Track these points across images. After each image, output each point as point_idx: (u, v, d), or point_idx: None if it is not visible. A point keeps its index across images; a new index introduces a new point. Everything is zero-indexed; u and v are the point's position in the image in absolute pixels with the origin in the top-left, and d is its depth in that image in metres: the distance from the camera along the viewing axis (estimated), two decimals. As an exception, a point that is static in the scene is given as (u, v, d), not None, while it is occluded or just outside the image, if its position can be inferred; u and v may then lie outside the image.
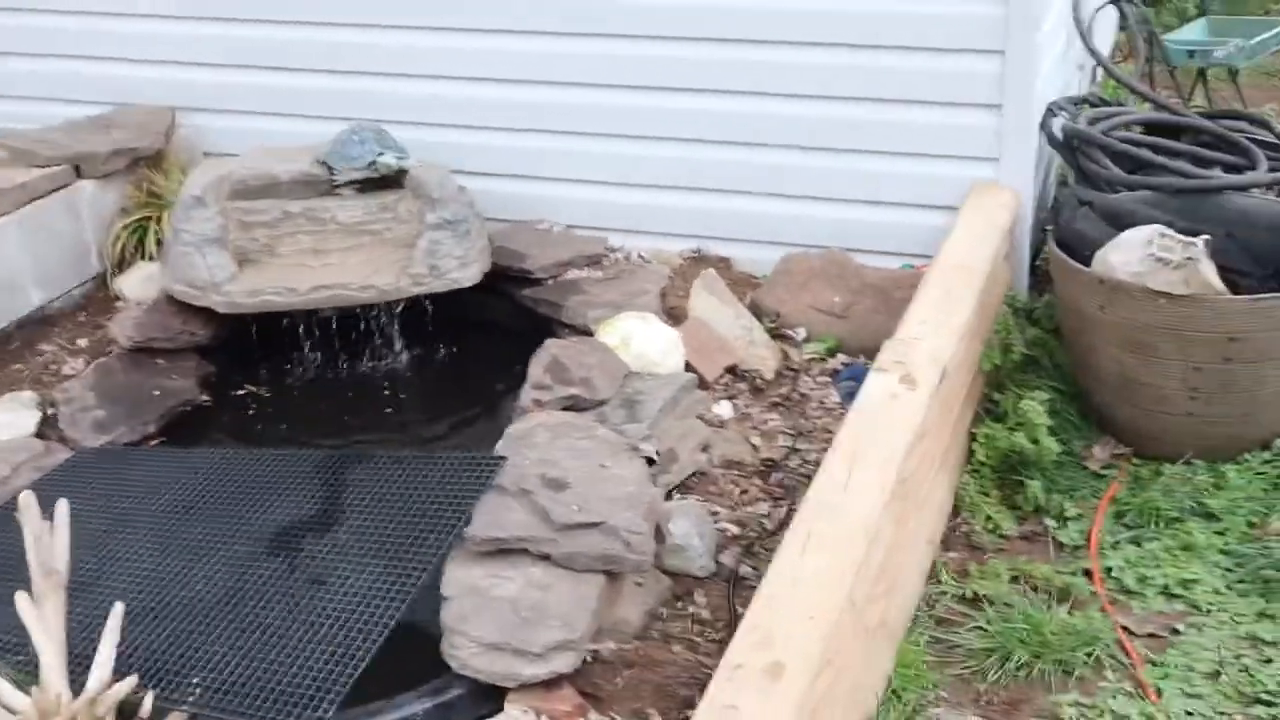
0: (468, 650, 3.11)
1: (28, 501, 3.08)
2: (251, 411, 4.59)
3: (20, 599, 2.95)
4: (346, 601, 3.26)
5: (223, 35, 5.45)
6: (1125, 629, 3.49)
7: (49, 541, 3.09)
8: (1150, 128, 4.76)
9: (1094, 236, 4.15)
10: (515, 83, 5.12)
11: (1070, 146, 4.62)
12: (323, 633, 3.18)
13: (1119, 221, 4.18)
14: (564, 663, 3.11)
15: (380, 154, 4.78)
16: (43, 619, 2.97)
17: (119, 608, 2.96)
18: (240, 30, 5.42)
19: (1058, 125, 4.66)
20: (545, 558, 3.33)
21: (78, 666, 2.99)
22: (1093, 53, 5.36)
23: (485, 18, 5.05)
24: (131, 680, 2.87)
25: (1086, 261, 4.09)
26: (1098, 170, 4.47)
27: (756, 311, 4.75)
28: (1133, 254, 3.90)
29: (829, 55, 4.67)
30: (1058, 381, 4.36)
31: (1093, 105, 5.10)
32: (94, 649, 3.04)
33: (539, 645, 3.08)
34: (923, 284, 4.04)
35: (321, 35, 5.31)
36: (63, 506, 3.15)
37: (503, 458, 3.61)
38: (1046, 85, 4.79)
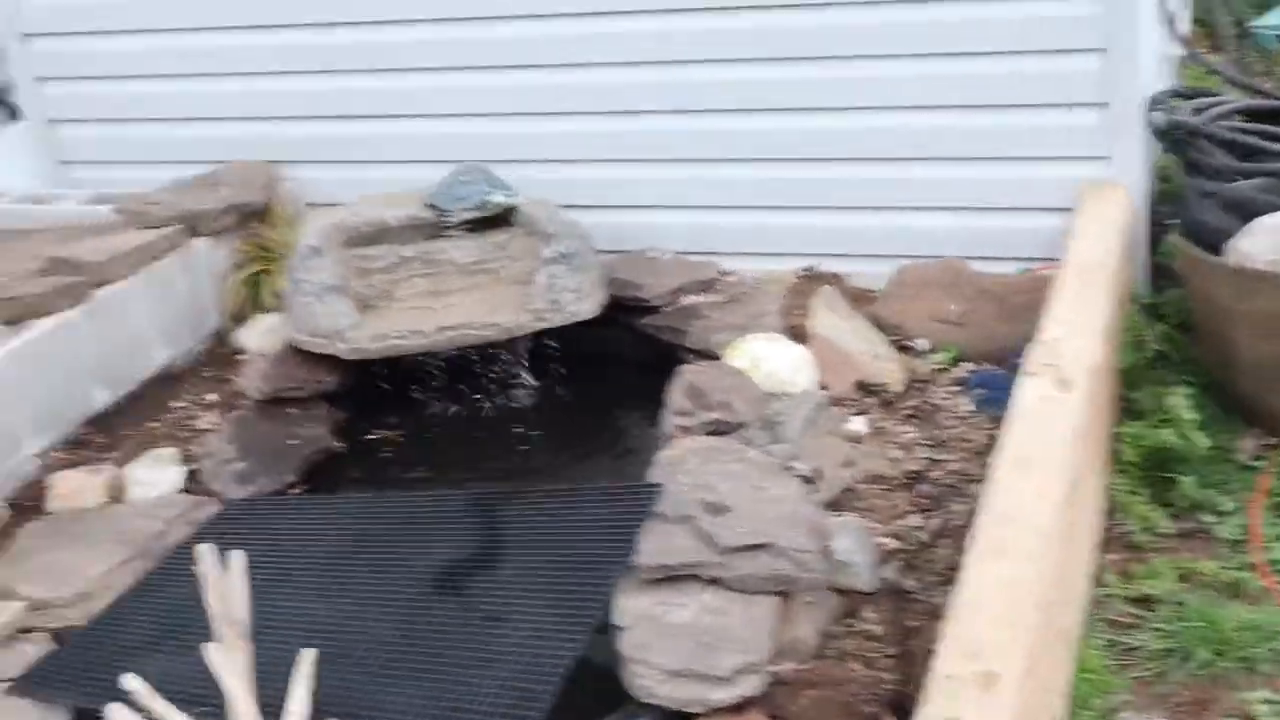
0: (652, 678, 3.12)
1: (204, 553, 3.11)
2: (386, 455, 4.62)
3: (210, 649, 2.98)
4: (523, 638, 3.27)
5: (318, 88, 5.51)
6: (1305, 619, 3.45)
7: (229, 591, 3.11)
8: (1252, 114, 4.73)
9: (1218, 227, 4.12)
10: (614, 115, 5.14)
11: (1175, 138, 4.61)
12: (504, 671, 3.18)
13: (1241, 210, 4.14)
14: (750, 686, 3.10)
15: (489, 193, 4.81)
16: (232, 668, 2.99)
17: (309, 653, 2.98)
18: (335, 82, 5.48)
19: (1159, 118, 4.64)
20: (715, 581, 3.33)
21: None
22: (1181, 44, 5.34)
23: (580, 55, 5.08)
24: (329, 726, 2.89)
25: (1214, 252, 4.06)
26: (1208, 161, 4.44)
27: (875, 325, 4.74)
28: (1267, 240, 3.87)
29: (931, 65, 4.67)
30: (1191, 375, 4.32)
31: (1188, 97, 5.08)
32: (273, 696, 3.07)
33: (725, 669, 3.08)
34: (1056, 286, 4.02)
35: (416, 82, 5.36)
36: (238, 557, 3.18)
37: (659, 485, 3.61)
38: (1148, 80, 4.76)
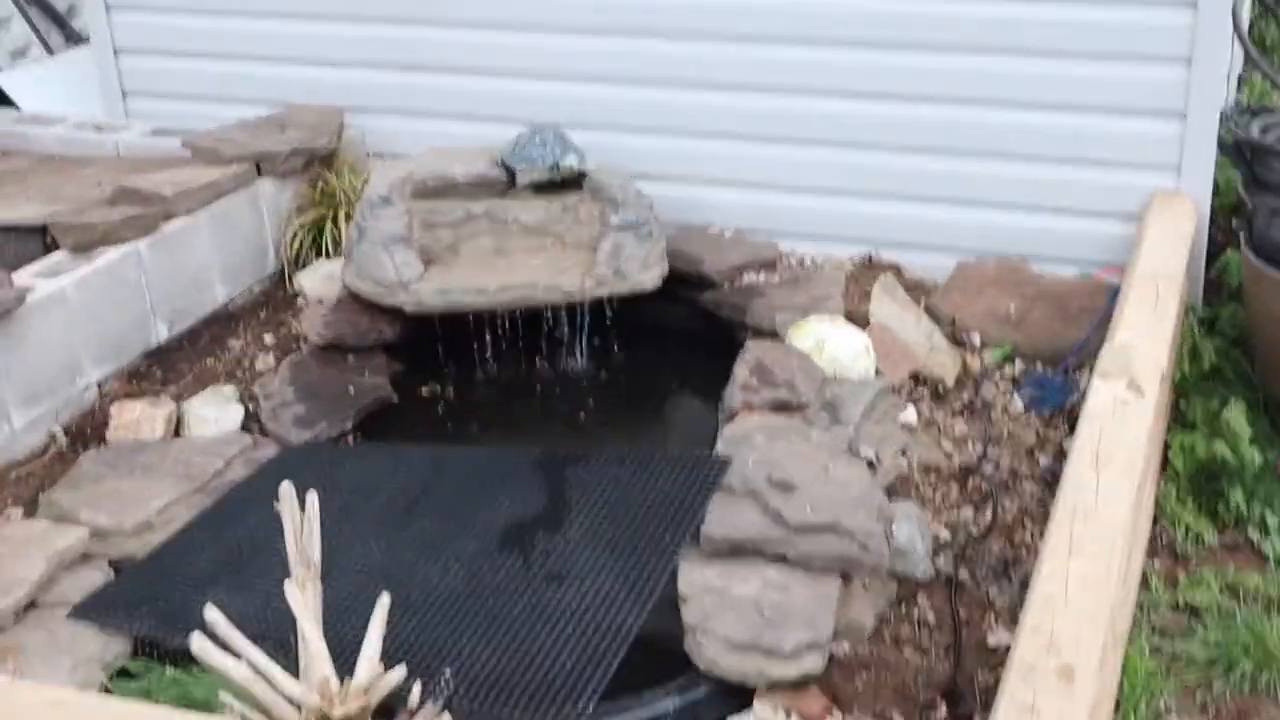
0: (714, 649, 3.17)
1: (287, 492, 3.14)
2: (439, 408, 4.66)
3: (289, 586, 3.00)
4: (588, 600, 3.32)
5: (392, 37, 5.52)
6: (1347, 642, 3.49)
7: (305, 533, 3.14)
8: (1317, 136, 4.77)
9: (1289, 245, 4.16)
10: (686, 87, 5.17)
11: (1242, 154, 4.64)
12: (568, 631, 3.23)
13: (1310, 230, 4.19)
14: (812, 663, 3.16)
15: (563, 155, 4.84)
16: (307, 607, 3.03)
17: (385, 598, 3.01)
18: (410, 32, 5.50)
19: (1227, 133, 4.67)
20: (780, 559, 3.38)
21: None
22: (1257, 63, 5.36)
23: (658, 24, 5.11)
24: (402, 670, 2.92)
25: (1280, 269, 4.10)
26: (1275, 178, 4.48)
27: (932, 317, 4.78)
28: (1342, 264, 3.91)
29: (1013, 62, 4.71)
30: (1243, 391, 4.36)
31: (1255, 113, 5.11)
32: (333, 638, 3.11)
33: (789, 645, 3.13)
34: (1126, 291, 4.06)
35: (490, 38, 5.38)
36: (314, 499, 3.20)
37: (727, 458, 3.66)
38: (1225, 94, 4.80)
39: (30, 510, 3.94)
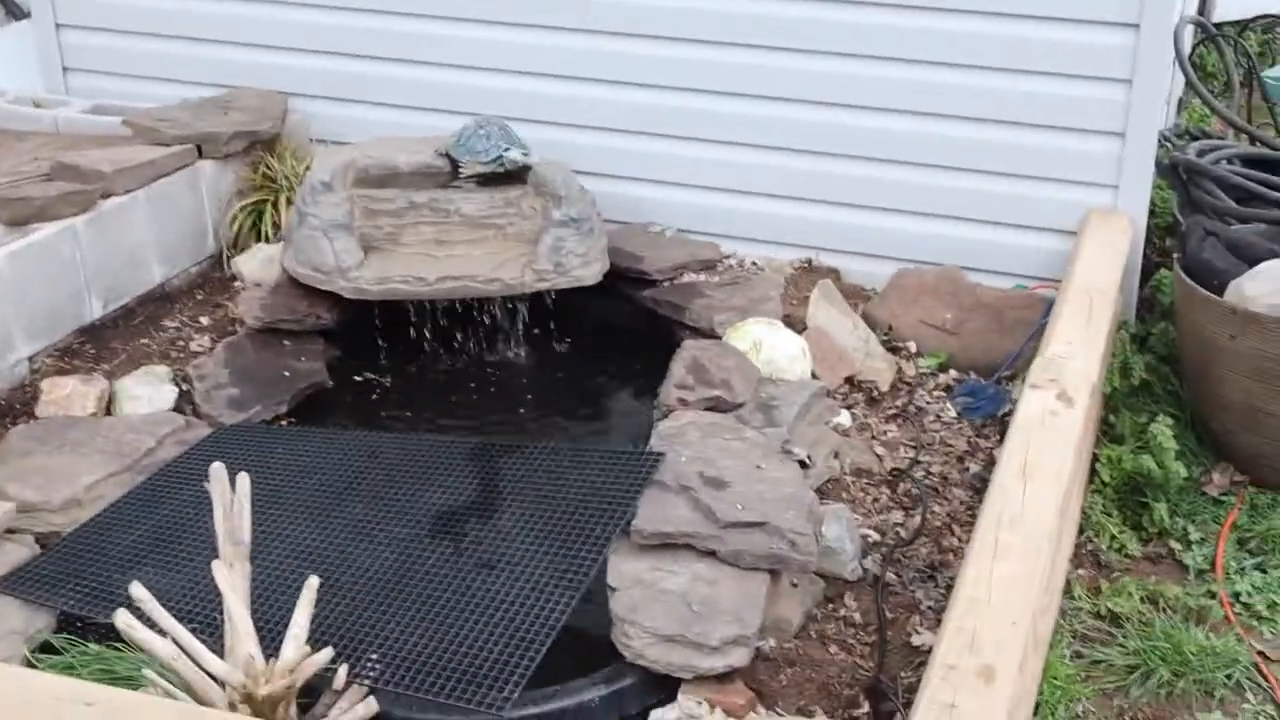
0: (642, 640, 3.18)
1: (218, 472, 3.13)
2: (374, 395, 4.65)
3: (216, 566, 2.99)
4: (518, 588, 3.33)
5: (339, 24, 5.50)
6: (1262, 654, 3.57)
7: (235, 513, 3.13)
8: (1249, 161, 4.87)
9: (1221, 267, 4.24)
10: (632, 86, 5.19)
11: (1178, 175, 4.74)
12: (496, 617, 3.24)
13: (1240, 252, 4.27)
14: (738, 657, 3.18)
15: (507, 149, 4.83)
16: (235, 587, 3.02)
17: (314, 580, 3.01)
18: (357, 20, 5.48)
19: (1165, 154, 4.77)
20: (710, 554, 3.40)
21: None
22: (1195, 87, 5.46)
23: (608, 21, 5.12)
24: (329, 652, 2.92)
25: (1211, 289, 4.18)
26: (1211, 201, 4.58)
27: (869, 323, 4.83)
28: (1271, 285, 3.99)
29: (959, 76, 4.76)
30: (1171, 407, 4.44)
31: (1194, 136, 5.22)
32: (261, 617, 3.10)
33: (716, 638, 3.16)
34: (1060, 304, 4.13)
35: (439, 29, 5.38)
36: (244, 479, 3.19)
37: (660, 454, 3.68)
38: (1163, 115, 4.88)
39: (-44, 483, 3.88)
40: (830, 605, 3.58)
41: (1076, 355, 3.77)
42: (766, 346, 4.35)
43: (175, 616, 3.19)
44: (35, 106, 5.72)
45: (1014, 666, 2.66)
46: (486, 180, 4.89)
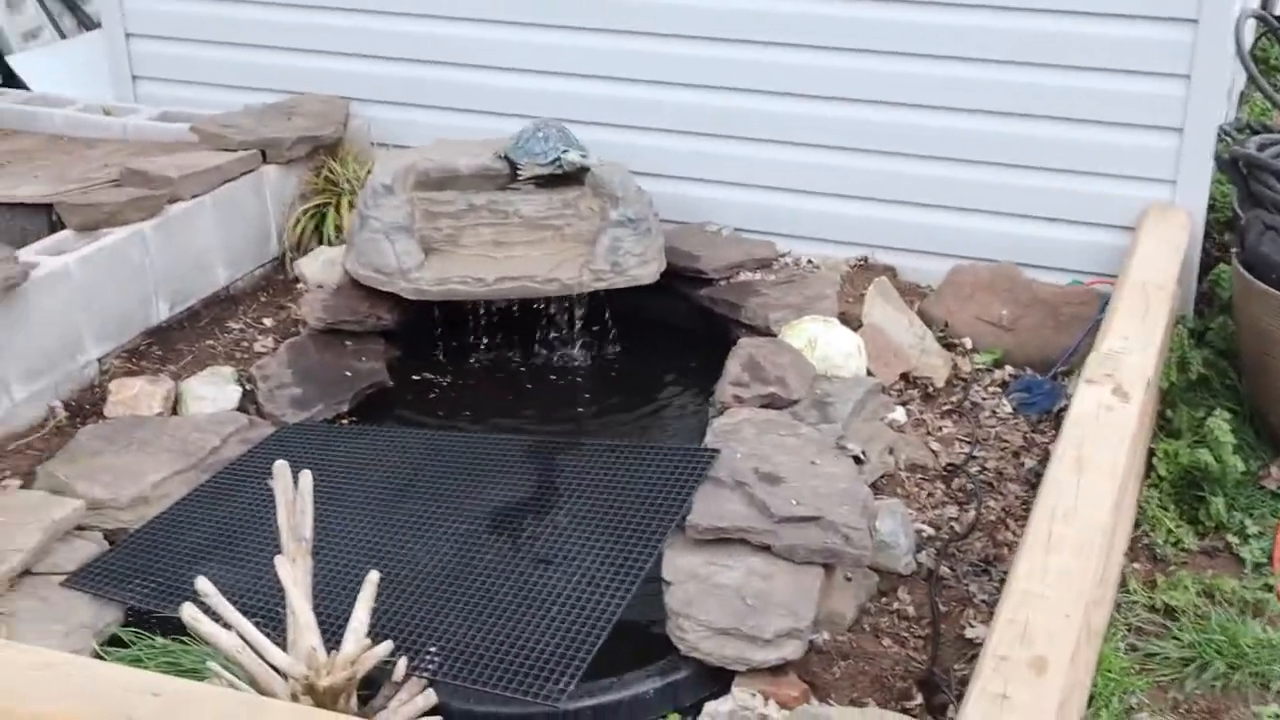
0: (696, 634, 3.22)
1: (281, 469, 3.19)
2: (434, 394, 4.72)
3: (279, 561, 3.06)
4: (574, 582, 3.38)
5: (399, 30, 5.59)
6: (1319, 646, 3.55)
7: (297, 509, 3.20)
8: (1312, 154, 4.83)
9: (1278, 260, 4.21)
10: (687, 87, 5.23)
11: (1238, 170, 4.70)
12: (553, 611, 3.29)
13: (1299, 246, 4.24)
14: (791, 650, 3.21)
15: (565, 151, 4.89)
16: (298, 582, 3.09)
17: (374, 576, 3.07)
18: (417, 26, 5.56)
19: (1225, 149, 4.73)
20: (765, 548, 3.43)
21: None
22: (1257, 81, 5.42)
23: (662, 23, 5.17)
24: (388, 645, 2.97)
25: (1270, 283, 4.15)
26: (1270, 195, 4.54)
27: (925, 320, 4.84)
28: (1329, 279, 3.96)
29: (1015, 73, 4.76)
30: (1229, 401, 4.41)
31: (1254, 130, 5.17)
32: (323, 612, 3.16)
33: (770, 632, 3.19)
34: (1116, 299, 4.12)
35: (497, 33, 5.44)
36: (307, 476, 3.26)
37: (716, 450, 3.72)
38: (1223, 109, 4.85)
39: (28, 482, 4.00)
40: (884, 599, 3.60)
41: (1132, 350, 3.76)
42: (821, 343, 4.37)
43: (239, 611, 3.27)
44: (105, 114, 5.85)
45: (1066, 658, 2.67)
46: (545, 182, 4.95)
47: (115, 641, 3.41)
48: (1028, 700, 2.54)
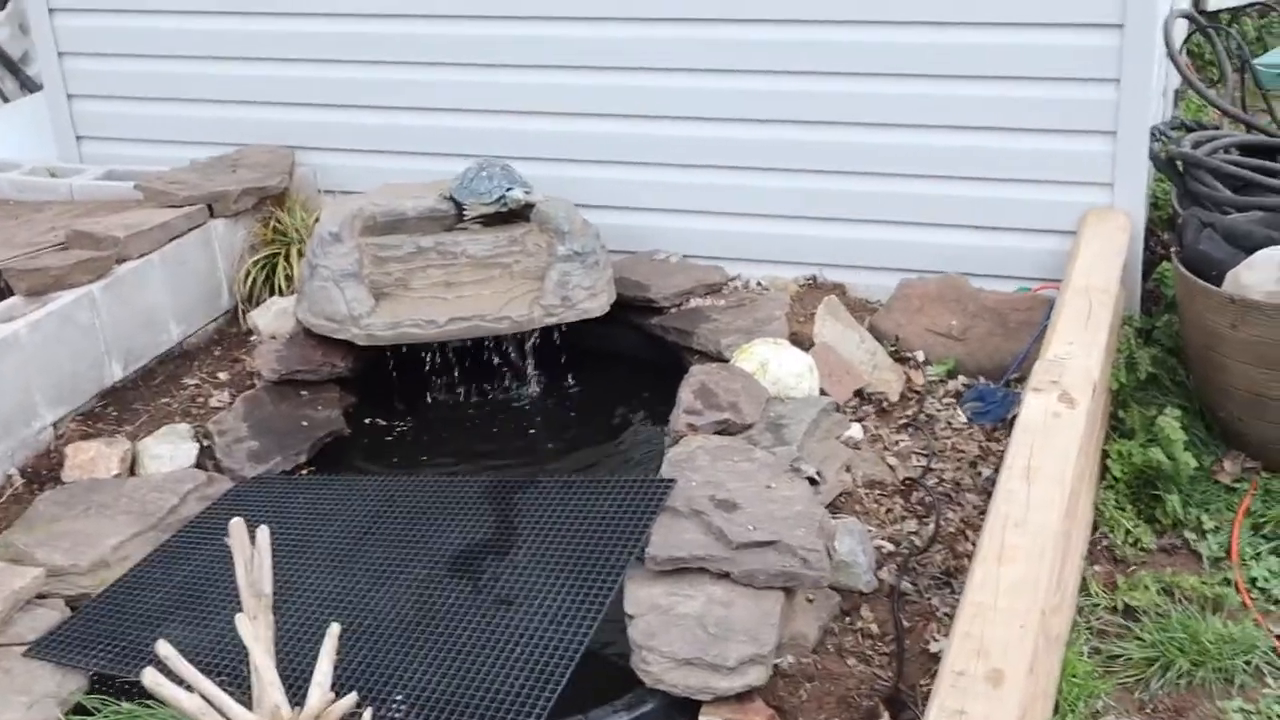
0: (660, 665, 3.23)
1: (237, 527, 3.20)
2: (391, 439, 4.73)
3: (240, 619, 3.06)
4: (536, 621, 3.38)
5: (340, 76, 5.62)
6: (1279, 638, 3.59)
7: (256, 565, 3.20)
8: (1246, 149, 4.90)
9: (1218, 257, 4.26)
10: (631, 118, 5.27)
11: (1175, 168, 4.77)
12: (517, 652, 3.30)
13: (1237, 242, 4.30)
14: (756, 676, 3.22)
15: (509, 189, 4.92)
16: (259, 638, 3.09)
17: (335, 628, 3.07)
18: (357, 72, 5.59)
19: (1159, 148, 4.80)
20: (724, 576, 3.45)
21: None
22: (1188, 79, 5.50)
23: (601, 57, 5.21)
24: (353, 697, 2.98)
25: (1210, 280, 4.20)
26: (1207, 192, 4.61)
27: (876, 335, 4.88)
28: (1267, 273, 4.01)
29: (951, 86, 4.82)
30: (1179, 398, 4.46)
31: (1189, 129, 5.25)
32: (287, 667, 3.17)
33: (732, 659, 3.20)
34: (1060, 305, 4.17)
35: (436, 75, 5.48)
36: (264, 532, 3.27)
37: (671, 480, 3.73)
38: (1153, 111, 4.92)
39: (-13, 552, 3.98)
40: (847, 618, 3.62)
41: (1077, 355, 3.80)
42: (773, 366, 4.40)
43: (204, 671, 3.25)
44: (51, 176, 5.86)
45: (1023, 669, 2.69)
46: (491, 220, 4.98)
47: (80, 710, 3.40)
48: (986, 715, 2.56)
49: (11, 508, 4.22)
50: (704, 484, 3.71)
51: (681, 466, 3.83)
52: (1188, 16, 5.85)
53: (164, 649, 2.98)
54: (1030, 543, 3.04)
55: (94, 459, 4.33)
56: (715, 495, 3.64)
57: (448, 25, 5.38)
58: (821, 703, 3.32)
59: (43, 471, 4.39)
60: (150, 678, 2.90)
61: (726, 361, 4.51)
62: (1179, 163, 4.72)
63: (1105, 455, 4.21)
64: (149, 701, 3.21)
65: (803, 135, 5.05)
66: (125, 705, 3.31)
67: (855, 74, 4.91)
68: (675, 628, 3.30)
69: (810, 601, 3.54)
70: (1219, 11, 6.92)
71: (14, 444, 4.40)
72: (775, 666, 3.33)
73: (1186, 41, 6.15)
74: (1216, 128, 5.40)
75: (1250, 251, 4.17)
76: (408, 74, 5.50)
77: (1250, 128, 5.26)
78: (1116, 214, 4.74)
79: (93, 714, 3.34)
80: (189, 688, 2.95)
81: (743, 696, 3.23)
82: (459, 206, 4.97)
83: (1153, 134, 4.85)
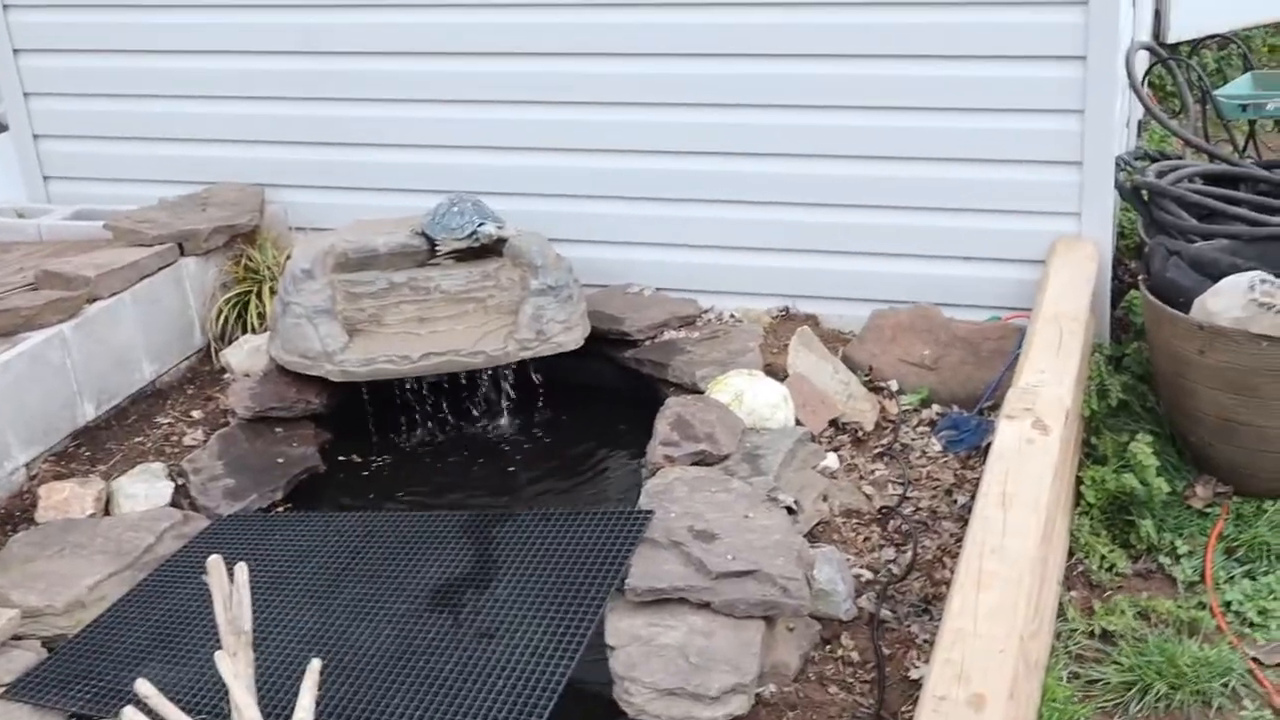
0: (643, 696, 3.24)
1: (215, 564, 3.19)
2: (367, 475, 4.72)
3: (219, 657, 3.04)
4: (518, 654, 3.38)
5: (309, 114, 5.63)
6: (1256, 660, 3.62)
7: (235, 602, 3.19)
8: (1209, 178, 4.97)
9: (1186, 285, 4.32)
10: (598, 152, 5.31)
11: (1140, 198, 4.83)
12: (499, 685, 3.29)
13: (1204, 269, 4.35)
14: (738, 705, 3.24)
15: (481, 224, 4.94)
16: (239, 675, 3.08)
17: (316, 664, 3.06)
18: (326, 109, 5.60)
19: (1124, 178, 4.86)
20: (704, 605, 3.46)
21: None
22: (1149, 110, 5.59)
23: (570, 92, 5.25)
24: (335, 733, 2.98)
25: (1178, 307, 4.26)
26: (1172, 220, 4.67)
27: (849, 366, 4.91)
28: (1233, 300, 4.06)
29: (913, 118, 4.88)
30: (1150, 424, 4.51)
31: (1153, 159, 5.32)
32: (267, 705, 3.15)
33: (715, 689, 3.21)
34: (1031, 334, 4.21)
35: (406, 112, 5.50)
36: (242, 569, 3.26)
37: (649, 512, 3.74)
38: (1117, 141, 4.99)
39: (-39, 594, 3.95)
40: (828, 646, 3.63)
41: (1049, 383, 3.84)
42: (748, 397, 4.42)
43: (184, 709, 3.23)
44: (19, 216, 5.83)
45: (1004, 693, 2.71)
46: (463, 255, 4.99)
47: (59, 751, 3.38)
48: (968, 739, 2.58)
49: (-15, 550, 4.19)
50: (682, 515, 3.72)
51: (659, 498, 3.84)
52: (1148, 48, 5.94)
53: (144, 688, 2.96)
54: (1008, 569, 3.06)
55: (68, 499, 4.31)
56: (694, 526, 3.66)
57: (417, 62, 5.40)
58: (804, 731, 3.33)
59: (16, 513, 4.37)
60: (129, 717, 2.89)
61: (702, 393, 4.53)
62: (1144, 192, 4.78)
63: (1079, 481, 4.24)
64: (128, 742, 3.18)
65: (773, 168, 5.09)
66: (104, 746, 3.29)
67: (825, 107, 4.96)
68: (657, 658, 3.31)
69: (791, 630, 3.56)
70: (1179, 44, 7.02)
71: (-14, 485, 4.38)
72: (757, 695, 3.35)
73: (1148, 73, 6.25)
74: (1179, 157, 5.48)
75: (1216, 279, 4.22)
76: (378, 110, 5.52)
77: (1213, 157, 5.33)
78: (1084, 243, 4.79)
79: (72, 756, 3.32)
80: (170, 726, 2.94)
81: (725, 726, 3.23)
82: (431, 242, 4.98)
83: (1118, 164, 4.92)
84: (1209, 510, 4.26)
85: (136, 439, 4.77)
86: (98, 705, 3.45)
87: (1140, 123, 6.51)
